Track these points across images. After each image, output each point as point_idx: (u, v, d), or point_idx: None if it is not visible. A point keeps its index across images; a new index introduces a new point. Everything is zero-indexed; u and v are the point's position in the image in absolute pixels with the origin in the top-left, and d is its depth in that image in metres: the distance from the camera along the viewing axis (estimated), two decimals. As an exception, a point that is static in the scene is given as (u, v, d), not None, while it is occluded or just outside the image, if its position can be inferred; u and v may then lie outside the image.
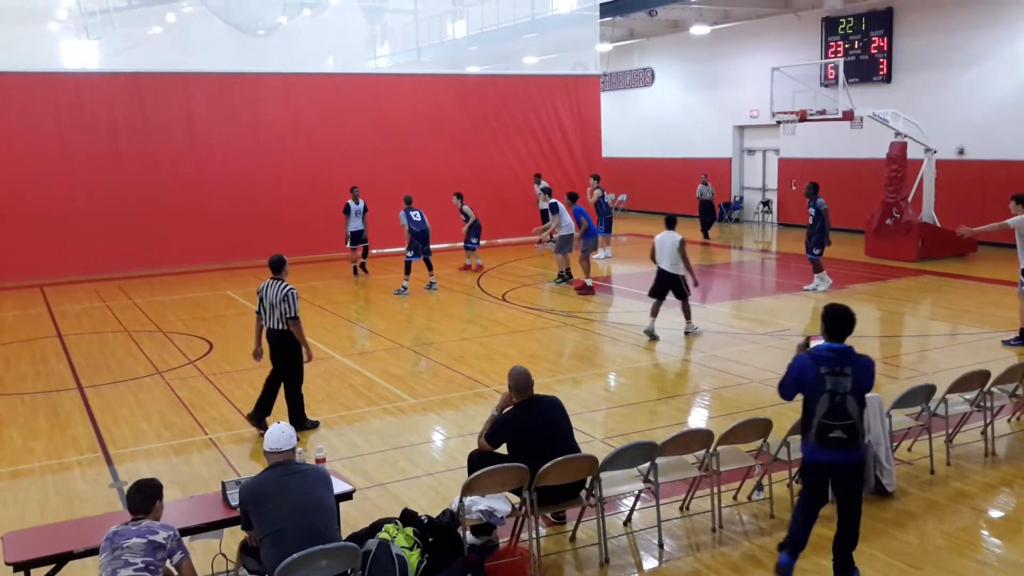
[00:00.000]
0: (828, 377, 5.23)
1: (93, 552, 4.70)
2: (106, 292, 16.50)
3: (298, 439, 5.22)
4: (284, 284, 8.48)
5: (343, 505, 5.55)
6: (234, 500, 5.27)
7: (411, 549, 5.34)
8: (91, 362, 11.43)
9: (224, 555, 5.47)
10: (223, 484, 5.54)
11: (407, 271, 15.80)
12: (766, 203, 26.09)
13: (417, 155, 21.02)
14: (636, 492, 6.33)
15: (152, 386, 10.26)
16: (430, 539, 5.49)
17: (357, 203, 17.47)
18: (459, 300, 15.39)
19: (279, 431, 5.09)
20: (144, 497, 4.75)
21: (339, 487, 5.48)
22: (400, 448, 8.18)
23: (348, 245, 17.64)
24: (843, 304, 5.54)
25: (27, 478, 7.72)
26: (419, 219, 15.76)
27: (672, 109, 28.59)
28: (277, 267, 8.60)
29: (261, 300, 8.56)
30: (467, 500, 5.63)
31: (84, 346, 12.33)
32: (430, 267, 16.01)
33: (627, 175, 28.34)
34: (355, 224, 17.45)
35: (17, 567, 4.74)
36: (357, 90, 20.93)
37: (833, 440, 5.22)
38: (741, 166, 27.01)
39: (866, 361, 5.37)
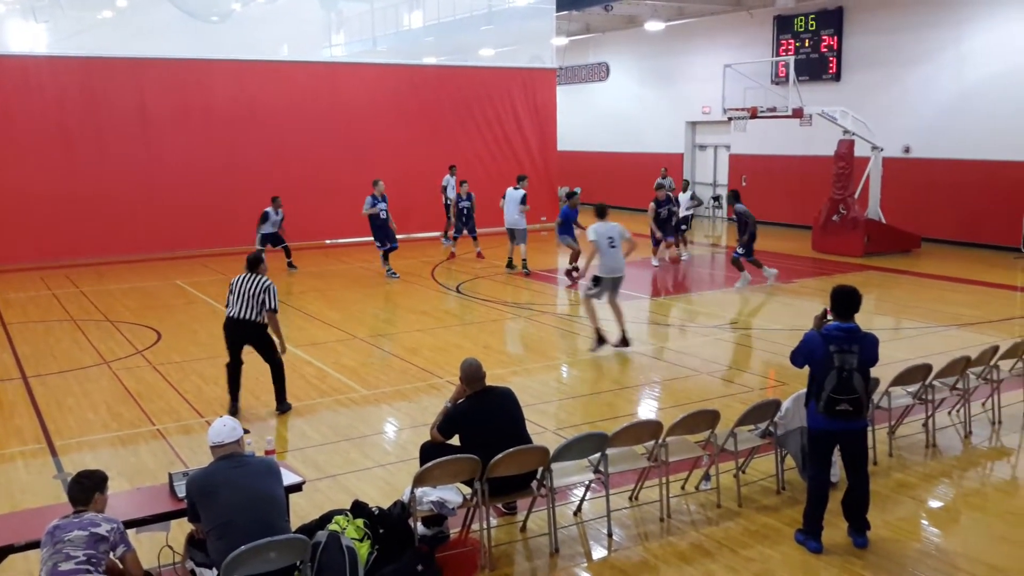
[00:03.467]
0: (836, 355, 5.62)
1: (35, 545, 4.63)
2: (53, 280, 16.15)
3: (246, 431, 5.18)
4: (262, 278, 8.59)
5: (293, 497, 5.52)
6: (181, 492, 5.21)
7: (361, 540, 5.33)
8: (36, 351, 11.19)
9: (171, 547, 5.40)
10: (170, 476, 5.48)
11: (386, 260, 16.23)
12: (717, 198, 26.40)
13: (373, 144, 20.88)
14: (586, 482, 6.39)
15: (99, 376, 10.08)
16: (380, 530, 5.49)
17: (277, 213, 16.77)
18: (413, 291, 15.34)
19: (221, 424, 5.05)
20: (83, 489, 4.69)
21: (289, 479, 5.45)
22: (351, 439, 8.14)
23: (258, 246, 16.17)
24: (850, 285, 5.95)
25: (-33, 470, 7.54)
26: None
27: (626, 104, 28.78)
28: (254, 264, 8.69)
29: (232, 293, 8.59)
30: (418, 491, 5.63)
31: (29, 335, 12.07)
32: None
33: (582, 168, 28.46)
34: (268, 228, 16.68)
35: (-39, 558, 4.64)
36: (312, 78, 20.73)
37: (840, 412, 5.66)
38: (693, 161, 27.29)
39: (872, 339, 5.80)
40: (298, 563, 4.83)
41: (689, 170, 27.01)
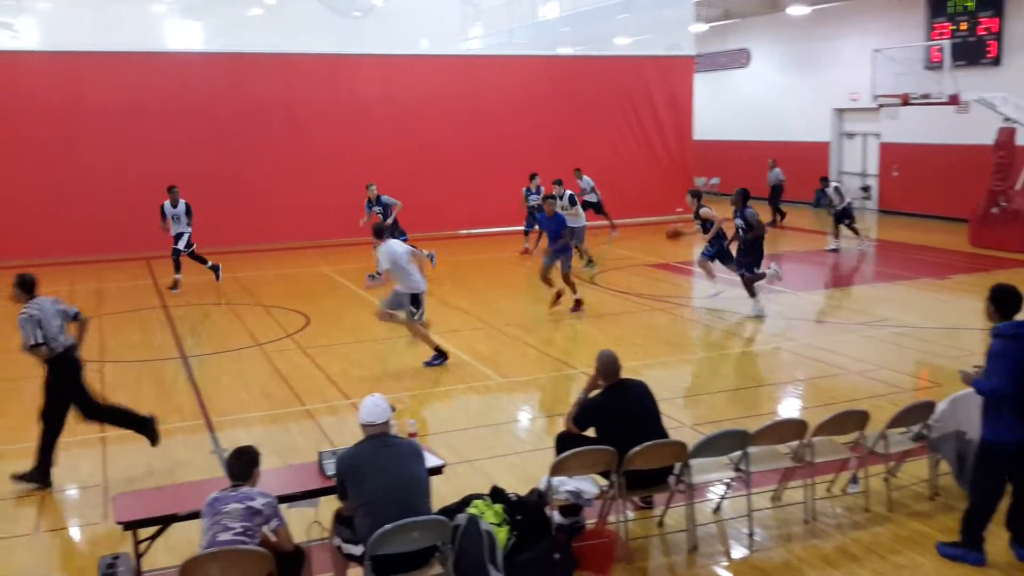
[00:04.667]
0: None
1: (195, 516, 4.89)
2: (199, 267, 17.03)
3: (393, 409, 5.32)
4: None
5: (433, 479, 5.64)
6: (330, 470, 5.41)
7: (500, 526, 5.40)
8: (194, 333, 11.87)
9: (319, 523, 5.63)
10: (320, 454, 5.69)
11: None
12: (866, 189, 25.27)
13: (509, 136, 21.06)
14: (726, 480, 6.26)
15: (251, 357, 10.60)
16: (518, 517, 5.54)
17: (175, 206, 14.40)
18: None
19: (372, 404, 5.17)
20: (243, 464, 4.92)
21: (430, 461, 5.57)
22: (488, 426, 8.26)
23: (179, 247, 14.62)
24: (1011, 284, 5.63)
25: (134, 443, 8.07)
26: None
27: (768, 91, 27.90)
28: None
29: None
30: (555, 480, 5.67)
31: (188, 317, 12.81)
32: None
33: (719, 158, 27.81)
34: (176, 228, 14.49)
35: (127, 526, 4.97)
36: (449, 71, 21.08)
37: None
38: (840, 150, 26.20)
39: None
40: (440, 544, 4.95)
41: (836, 159, 25.98)
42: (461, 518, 5.25)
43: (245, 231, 19.07)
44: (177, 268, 14.61)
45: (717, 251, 12.91)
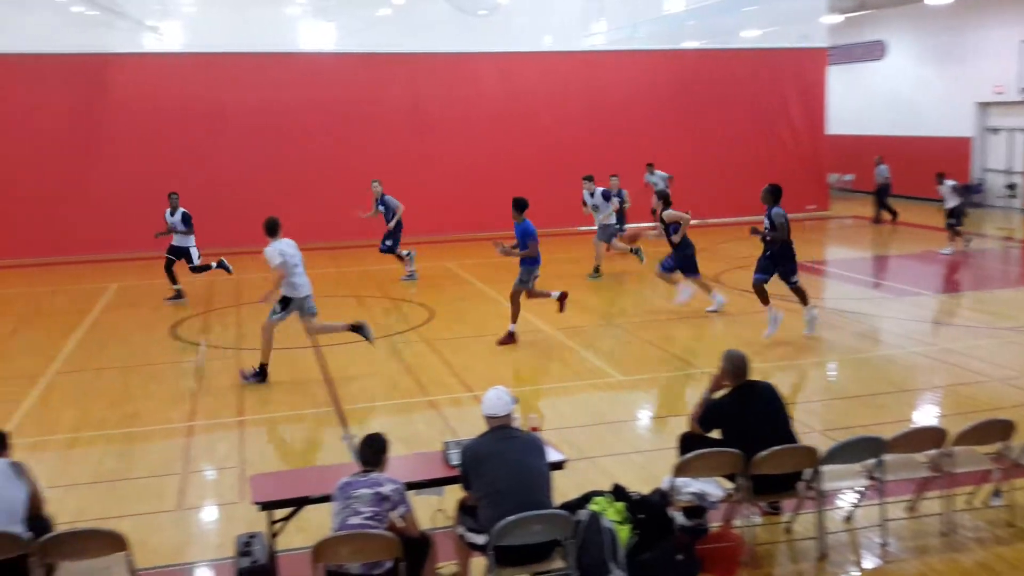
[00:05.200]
0: None
1: (326, 499, 5.05)
2: (342, 259, 17.60)
3: (516, 402, 5.37)
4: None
5: (553, 474, 5.66)
6: (454, 460, 5.51)
7: (621, 524, 5.38)
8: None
9: (443, 511, 5.74)
10: (445, 444, 5.80)
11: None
12: (1011, 187, 23.83)
13: (630, 132, 20.90)
14: (859, 488, 6.04)
15: (379, 348, 10.89)
16: (640, 516, 5.50)
17: (173, 214, 13.79)
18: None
19: (495, 397, 5.23)
20: (373, 451, 5.06)
21: (551, 456, 5.59)
22: (608, 423, 8.23)
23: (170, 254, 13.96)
24: None
25: (268, 426, 8.45)
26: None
27: (905, 84, 26.66)
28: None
29: None
30: (679, 481, 5.60)
31: (320, 309, 13.22)
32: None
33: (854, 153, 26.78)
34: (179, 238, 13.87)
35: (263, 507, 5.20)
36: (572, 68, 21.07)
37: None
38: (983, 146, 24.80)
39: None
40: (561, 539, 4.97)
41: (979, 156, 24.61)
42: (583, 514, 5.25)
43: (373, 227, 19.55)
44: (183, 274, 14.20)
45: (679, 263, 12.13)
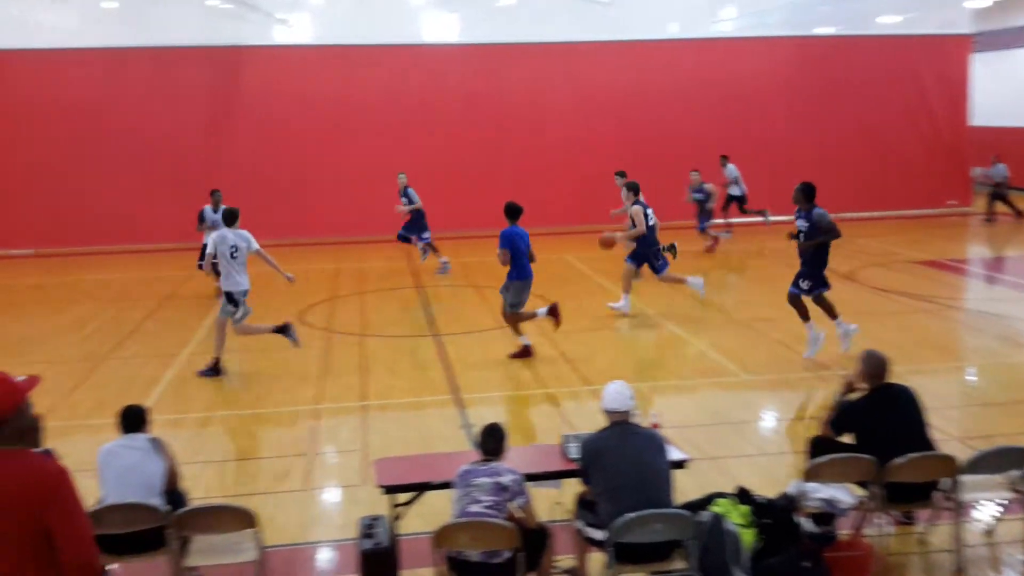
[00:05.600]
0: None
1: (446, 486, 5.10)
2: (463, 248, 17.78)
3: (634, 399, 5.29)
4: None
5: (674, 473, 5.55)
6: (572, 453, 5.46)
7: (745, 527, 5.22)
8: (445, 312, 12.45)
9: (561, 504, 5.71)
10: (563, 437, 5.76)
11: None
12: None
13: (758, 121, 20.31)
14: (1001, 501, 5.67)
15: (498, 339, 10.95)
16: (765, 520, 5.32)
17: (216, 211, 13.06)
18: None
19: (616, 391, 5.15)
20: (494, 441, 5.07)
21: (673, 454, 5.47)
22: (731, 423, 8.02)
23: (201, 265, 13.36)
24: None
25: (391, 412, 8.62)
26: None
27: (1061, 72, 24.95)
28: None
29: None
30: (807, 486, 5.39)
31: (440, 297, 13.47)
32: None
33: (1002, 146, 25.23)
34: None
35: (386, 490, 5.29)
36: (699, 56, 20.61)
37: None
38: None
39: None
40: (682, 539, 4.86)
41: None
42: (705, 515, 5.12)
43: (497, 216, 19.69)
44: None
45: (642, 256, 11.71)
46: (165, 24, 18.50)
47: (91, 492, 5.41)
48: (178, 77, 18.97)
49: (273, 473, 7.21)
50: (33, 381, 3.43)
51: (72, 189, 18.25)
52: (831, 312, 9.72)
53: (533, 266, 9.91)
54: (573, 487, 5.49)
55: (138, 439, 5.28)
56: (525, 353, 9.98)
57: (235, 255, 9.67)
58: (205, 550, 5.14)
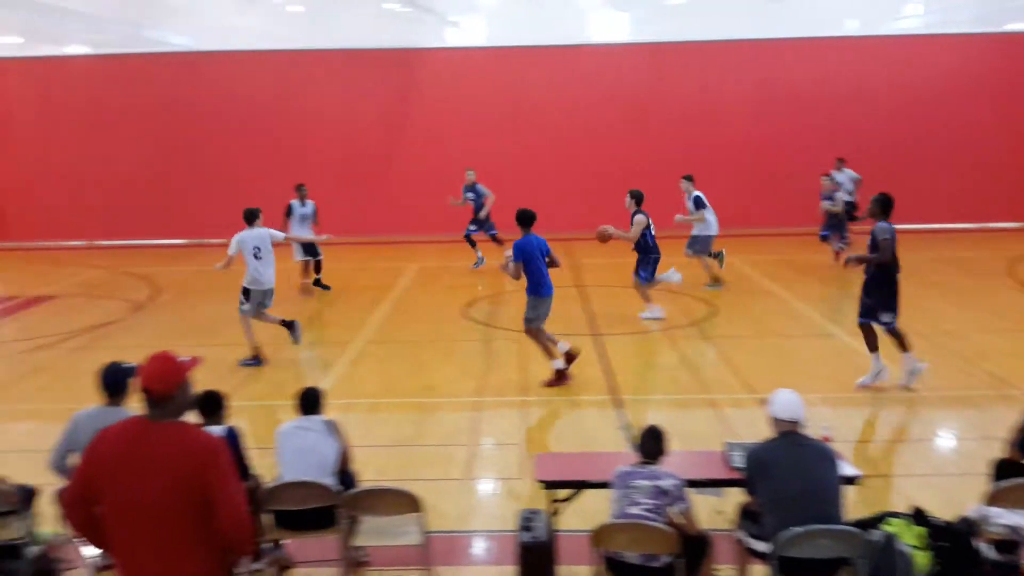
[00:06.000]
0: None
1: (604, 485, 5.10)
2: (622, 250, 17.61)
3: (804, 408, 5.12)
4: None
5: (844, 489, 5.32)
6: (736, 462, 5.34)
7: (920, 550, 4.94)
8: (605, 312, 12.42)
9: (722, 513, 5.59)
10: (727, 444, 5.64)
11: None
12: None
13: (942, 125, 19.13)
14: None
15: (659, 341, 10.85)
16: (942, 544, 5.02)
17: (303, 204, 13.90)
18: (987, 288, 13.70)
19: (786, 399, 4.98)
20: (655, 444, 5.03)
21: (844, 469, 5.24)
22: (907, 441, 7.63)
23: (298, 258, 14.02)
24: None
25: (550, 409, 8.70)
26: None
27: None
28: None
29: None
30: (991, 511, 5.05)
31: (600, 297, 13.45)
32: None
33: None
34: (302, 230, 13.72)
35: (547, 485, 5.35)
36: (880, 53, 19.62)
37: None
38: None
39: None
40: (851, 557, 4.66)
41: None
42: (877, 534, 4.88)
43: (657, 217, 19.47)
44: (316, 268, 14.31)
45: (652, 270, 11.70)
46: (344, 27, 19.38)
47: (268, 470, 5.80)
48: (354, 78, 19.85)
49: (436, 461, 7.43)
50: (195, 361, 3.70)
51: (255, 183, 19.43)
52: (904, 344, 8.75)
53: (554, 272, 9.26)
54: (735, 496, 5.37)
55: (314, 421, 5.58)
56: (559, 379, 9.10)
57: (259, 255, 10.10)
58: (372, 531, 5.37)
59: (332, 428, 5.58)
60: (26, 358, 10.85)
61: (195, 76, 19.86)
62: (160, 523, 3.44)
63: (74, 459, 5.44)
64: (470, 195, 15.76)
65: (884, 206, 8.52)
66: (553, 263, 9.09)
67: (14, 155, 20.25)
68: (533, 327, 9.09)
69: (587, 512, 5.80)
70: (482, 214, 15.67)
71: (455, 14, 20.24)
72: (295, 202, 13.93)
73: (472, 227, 15.88)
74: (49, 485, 5.60)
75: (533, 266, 8.91)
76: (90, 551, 5.69)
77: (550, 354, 9.14)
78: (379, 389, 9.39)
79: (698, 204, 13.58)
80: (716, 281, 13.73)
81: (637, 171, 19.21)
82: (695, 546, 4.80)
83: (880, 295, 8.54)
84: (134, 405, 5.45)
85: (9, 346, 11.59)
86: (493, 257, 15.06)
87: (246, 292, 10.22)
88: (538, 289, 8.98)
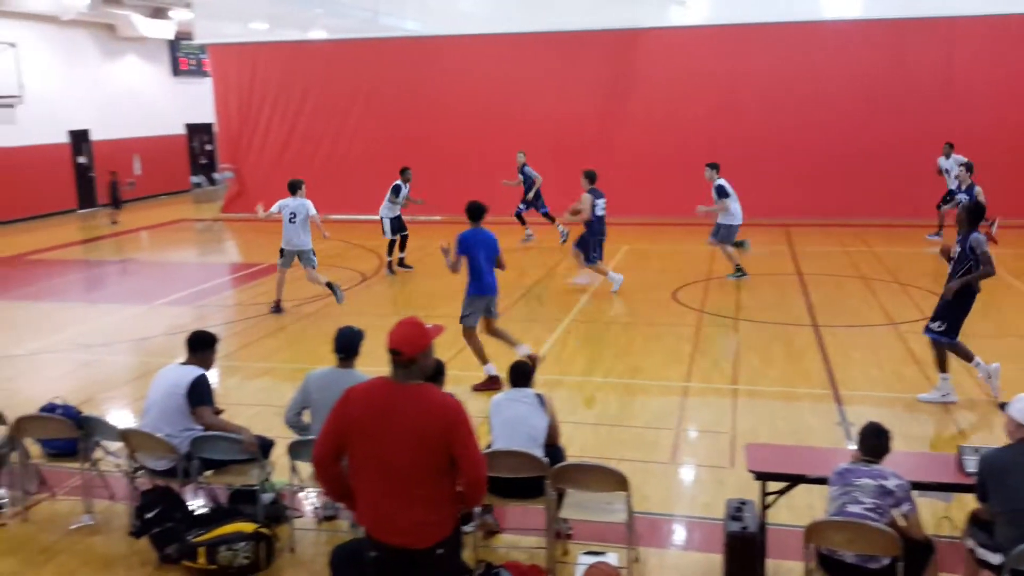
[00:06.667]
0: None
1: (822, 481, 4.88)
2: (845, 238, 16.80)
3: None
4: None
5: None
6: (970, 467, 4.96)
7: None
8: (826, 302, 11.84)
9: (949, 519, 5.22)
10: (960, 449, 5.23)
11: None
12: None
13: None
14: None
15: (885, 335, 10.22)
16: None
17: (406, 184, 14.63)
18: None
19: None
20: (881, 442, 4.76)
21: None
22: None
23: (389, 235, 14.51)
24: None
25: (760, 399, 8.42)
26: None
27: None
28: None
29: None
30: None
31: (820, 286, 12.84)
32: None
33: None
34: (393, 209, 14.45)
35: (759, 476, 5.19)
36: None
37: None
38: None
39: None
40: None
41: None
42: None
43: (884, 204, 18.32)
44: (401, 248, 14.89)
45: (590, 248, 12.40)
46: (565, 9, 19.48)
47: (482, 437, 5.99)
48: (574, 60, 19.94)
49: (642, 442, 7.40)
50: (438, 329, 3.97)
51: (478, 162, 20.06)
52: (944, 364, 8.06)
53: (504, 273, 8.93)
54: (965, 503, 4.98)
55: (526, 393, 5.71)
56: (489, 385, 8.49)
57: (293, 220, 11.78)
58: (577, 504, 5.43)
59: (543, 402, 5.69)
60: (263, 321, 11.82)
61: (425, 59, 20.71)
62: (406, 478, 3.71)
63: (306, 416, 5.89)
64: (521, 177, 16.79)
65: (972, 214, 7.89)
66: (499, 265, 8.68)
67: (263, 132, 22.04)
68: (466, 325, 8.65)
69: (797, 507, 5.60)
70: (530, 195, 16.64)
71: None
72: (400, 183, 14.61)
73: (522, 206, 16.83)
74: (282, 438, 6.11)
75: (476, 262, 8.52)
76: (318, 502, 6.17)
77: (482, 358, 8.71)
78: (586, 368, 9.46)
79: (720, 193, 13.05)
80: (739, 271, 13.27)
81: (872, 152, 18.17)
82: (918, 551, 4.51)
83: (961, 311, 7.89)
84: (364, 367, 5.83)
85: (247, 308, 12.68)
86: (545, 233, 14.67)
87: (281, 251, 12.06)
88: (480, 287, 8.58)
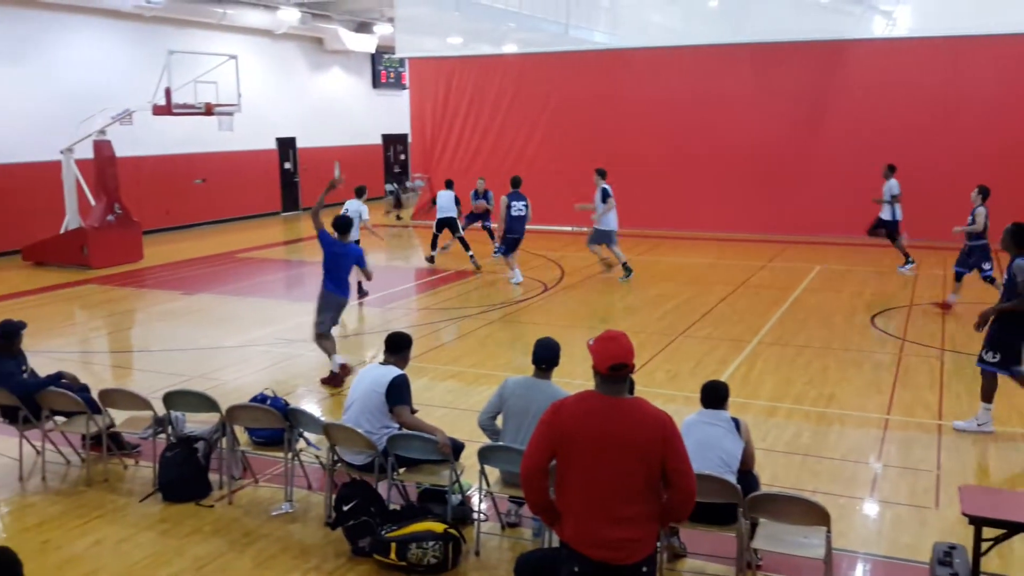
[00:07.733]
0: None
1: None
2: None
3: None
4: None
5: None
6: None
7: None
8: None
9: None
10: None
11: None
12: None
13: None
14: None
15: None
16: None
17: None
18: None
19: None
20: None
21: None
22: None
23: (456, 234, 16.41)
24: None
25: (968, 437, 7.78)
26: None
27: None
28: None
29: None
30: None
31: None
32: None
33: None
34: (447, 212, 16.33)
35: (973, 520, 4.80)
36: None
37: None
38: None
39: None
40: None
41: None
42: None
43: None
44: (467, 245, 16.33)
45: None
46: (762, 20, 18.94)
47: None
48: (774, 72, 19.35)
49: (838, 475, 7.03)
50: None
51: (664, 177, 19.85)
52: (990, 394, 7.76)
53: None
54: None
55: (721, 416, 5.54)
56: (333, 380, 9.35)
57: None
58: (771, 536, 5.21)
59: (738, 426, 5.51)
60: (451, 325, 12.14)
61: (615, 71, 20.71)
62: (618, 492, 3.71)
63: (499, 420, 5.98)
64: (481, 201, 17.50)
65: (1017, 238, 7.56)
66: (368, 276, 10.02)
67: (454, 143, 22.74)
68: (321, 330, 9.42)
69: (1014, 558, 5.14)
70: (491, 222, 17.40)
71: (886, 4, 18.84)
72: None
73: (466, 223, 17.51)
74: (470, 441, 6.22)
75: (336, 269, 9.45)
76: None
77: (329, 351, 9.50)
78: (776, 392, 9.10)
79: (603, 197, 14.46)
80: (608, 268, 15.00)
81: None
82: None
83: (1017, 337, 7.57)
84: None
85: (436, 313, 13.06)
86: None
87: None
88: (337, 291, 9.47)
